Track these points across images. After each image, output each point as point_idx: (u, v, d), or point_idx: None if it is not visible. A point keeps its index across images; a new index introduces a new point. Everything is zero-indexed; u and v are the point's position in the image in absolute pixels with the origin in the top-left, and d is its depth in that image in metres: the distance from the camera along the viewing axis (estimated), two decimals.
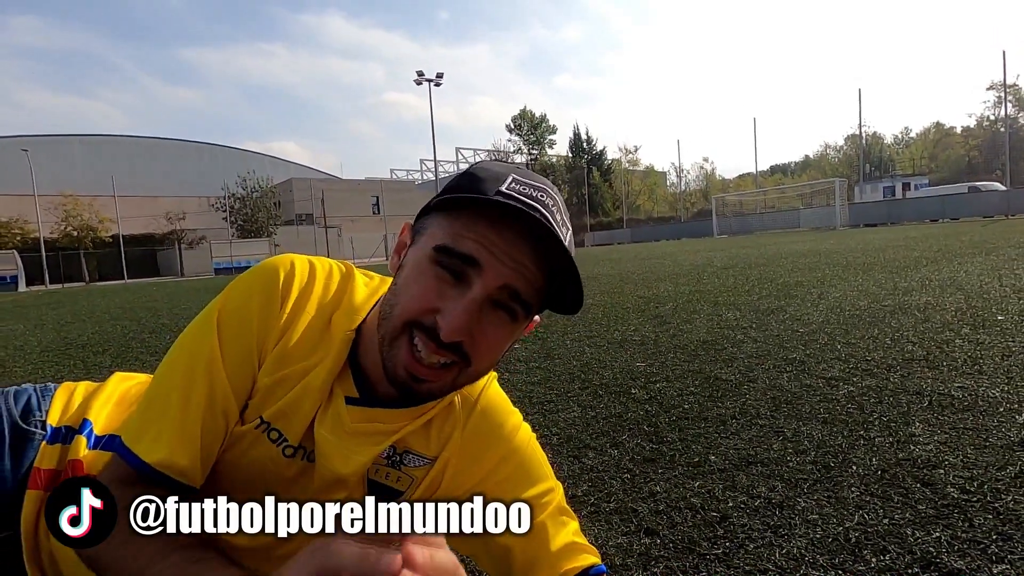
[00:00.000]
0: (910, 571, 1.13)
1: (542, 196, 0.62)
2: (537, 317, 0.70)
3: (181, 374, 0.66)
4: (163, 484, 0.62)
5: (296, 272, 0.70)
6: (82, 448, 0.76)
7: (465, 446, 0.77)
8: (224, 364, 0.66)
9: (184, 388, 0.65)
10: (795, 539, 1.26)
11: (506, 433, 0.79)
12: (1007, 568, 1.11)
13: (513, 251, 0.61)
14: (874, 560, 1.17)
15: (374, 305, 0.72)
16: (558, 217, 0.63)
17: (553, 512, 0.77)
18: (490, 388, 0.81)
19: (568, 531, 0.77)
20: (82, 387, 0.87)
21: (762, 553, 1.22)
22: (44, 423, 0.79)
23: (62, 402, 0.83)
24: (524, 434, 0.81)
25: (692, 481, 1.59)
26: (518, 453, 0.79)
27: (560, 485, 0.81)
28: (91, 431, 0.77)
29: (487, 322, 0.62)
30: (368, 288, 0.75)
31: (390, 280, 0.75)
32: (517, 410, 0.83)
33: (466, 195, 0.60)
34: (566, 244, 0.62)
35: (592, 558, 0.77)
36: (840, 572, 1.14)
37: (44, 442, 0.76)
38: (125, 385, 0.88)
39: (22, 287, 24.66)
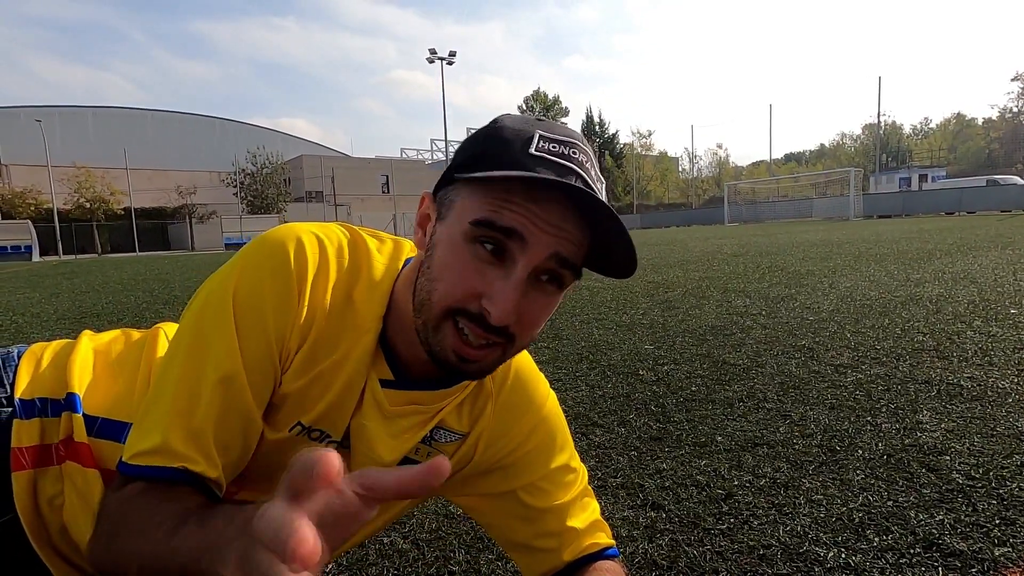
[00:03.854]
0: (912, 551, 1.15)
1: (574, 153, 0.58)
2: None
3: (189, 377, 0.59)
4: (192, 483, 0.57)
5: (308, 254, 0.63)
6: (80, 429, 0.71)
7: (498, 418, 0.76)
8: (244, 365, 0.59)
9: (192, 394, 0.58)
10: (799, 518, 1.28)
11: (537, 403, 0.78)
12: (1009, 551, 1.13)
13: (554, 217, 0.56)
14: (877, 540, 1.19)
15: (396, 276, 0.67)
16: (593, 173, 0.59)
17: (584, 490, 0.79)
18: (519, 357, 0.78)
19: (594, 509, 0.80)
20: (50, 351, 0.80)
21: (766, 530, 1.24)
22: (11, 398, 0.73)
23: (30, 371, 0.76)
24: (552, 402, 0.81)
25: (698, 460, 1.61)
26: (547, 422, 0.79)
27: (583, 467, 0.82)
28: (81, 408, 0.72)
29: (533, 297, 0.58)
30: (384, 255, 0.69)
31: (402, 241, 0.72)
32: (543, 375, 0.82)
33: (501, 173, 0.55)
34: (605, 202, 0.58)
35: (608, 539, 0.79)
36: (843, 550, 1.16)
37: (17, 419, 0.71)
38: (96, 344, 0.82)
39: (36, 257, 24.95)
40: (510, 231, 0.55)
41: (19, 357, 0.78)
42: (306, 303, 0.62)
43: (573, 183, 0.55)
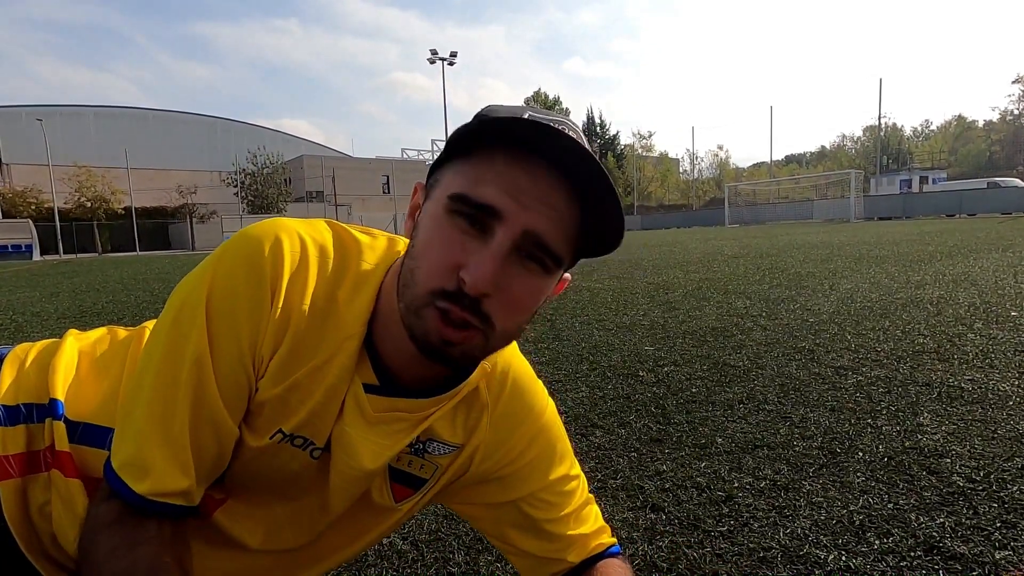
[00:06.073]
0: (913, 554, 1.14)
1: (562, 127, 0.55)
2: (568, 275, 0.63)
3: (164, 381, 0.58)
4: (161, 512, 0.58)
5: (285, 253, 0.60)
6: (62, 436, 0.69)
7: (495, 429, 0.73)
8: (215, 370, 0.59)
9: (167, 399, 0.58)
10: (799, 520, 1.28)
11: (536, 413, 0.76)
12: (1010, 554, 1.12)
13: (538, 189, 0.54)
14: (877, 542, 1.18)
15: (386, 273, 0.64)
16: (586, 144, 0.56)
17: (586, 499, 0.79)
18: (516, 365, 0.76)
19: (597, 515, 0.80)
20: (34, 352, 0.78)
21: (766, 532, 1.24)
22: None
23: (13, 374, 0.74)
24: (551, 411, 0.79)
25: (698, 462, 1.60)
26: (546, 432, 0.77)
27: (583, 475, 0.82)
28: (64, 415, 0.70)
29: (513, 275, 0.55)
30: (375, 252, 0.66)
31: (396, 239, 0.70)
32: (541, 383, 0.80)
33: (476, 121, 0.54)
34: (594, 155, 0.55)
35: (610, 539, 0.79)
36: (843, 553, 1.16)
37: (2, 426, 0.69)
38: (81, 344, 0.80)
39: (36, 256, 24.98)
40: (486, 208, 0.54)
41: (2, 360, 0.76)
42: (280, 306, 0.60)
43: (564, 132, 0.52)
